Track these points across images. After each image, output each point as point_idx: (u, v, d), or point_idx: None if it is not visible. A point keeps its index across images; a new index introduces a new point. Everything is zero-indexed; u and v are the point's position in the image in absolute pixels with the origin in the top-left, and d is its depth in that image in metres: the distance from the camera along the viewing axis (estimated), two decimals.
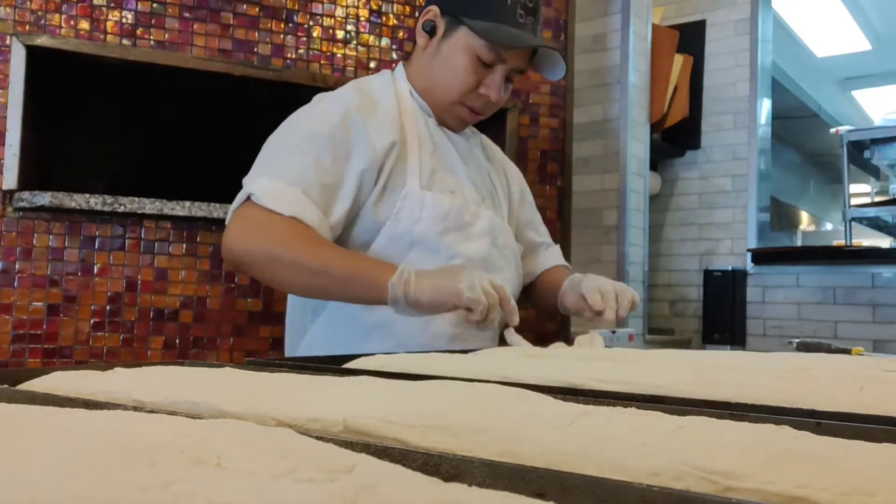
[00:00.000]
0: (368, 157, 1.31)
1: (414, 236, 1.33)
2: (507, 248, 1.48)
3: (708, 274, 3.45)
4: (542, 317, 2.80)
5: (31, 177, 2.27)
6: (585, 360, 0.88)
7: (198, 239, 2.40)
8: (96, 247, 2.28)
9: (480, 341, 1.38)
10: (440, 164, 1.40)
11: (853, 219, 3.26)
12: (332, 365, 0.85)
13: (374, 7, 2.72)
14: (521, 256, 1.56)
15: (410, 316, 1.19)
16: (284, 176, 1.27)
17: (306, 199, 1.25)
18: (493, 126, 2.81)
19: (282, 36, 2.60)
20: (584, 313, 1.38)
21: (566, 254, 3.00)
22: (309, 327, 1.41)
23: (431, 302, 1.13)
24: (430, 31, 1.39)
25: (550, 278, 1.59)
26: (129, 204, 2.25)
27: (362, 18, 2.71)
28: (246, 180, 1.30)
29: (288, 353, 1.49)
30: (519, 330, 1.21)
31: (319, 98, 1.39)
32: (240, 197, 1.27)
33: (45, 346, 2.20)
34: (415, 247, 1.33)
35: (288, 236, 1.22)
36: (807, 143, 6.73)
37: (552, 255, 1.67)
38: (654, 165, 3.64)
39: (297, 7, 2.62)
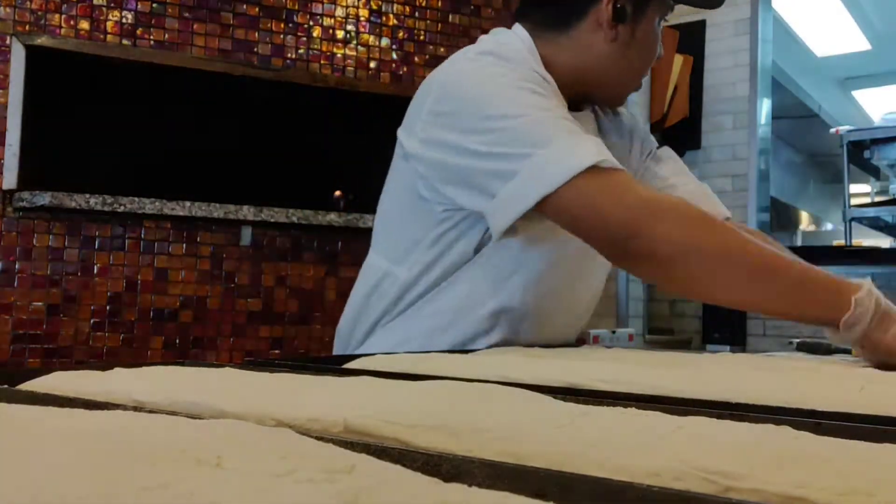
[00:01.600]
0: None
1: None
2: None
3: None
4: None
5: (31, 177, 2.27)
6: (585, 359, 0.88)
7: (198, 239, 2.40)
8: (96, 247, 2.28)
9: None
10: None
11: (853, 219, 3.26)
12: (332, 365, 0.85)
13: (374, 7, 2.72)
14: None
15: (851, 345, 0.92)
16: (577, 130, 1.00)
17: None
18: None
19: (282, 36, 2.60)
20: None
21: None
22: (377, 331, 1.22)
23: (893, 349, 0.86)
24: (622, 18, 1.12)
25: None
26: (128, 204, 2.25)
27: (362, 18, 2.71)
28: (527, 147, 0.98)
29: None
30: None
31: (486, 52, 1.11)
32: (569, 168, 0.95)
33: (45, 346, 2.20)
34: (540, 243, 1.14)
35: (707, 225, 0.95)
36: (807, 143, 6.73)
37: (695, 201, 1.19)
38: None
39: (297, 7, 2.62)
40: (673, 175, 1.30)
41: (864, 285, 0.88)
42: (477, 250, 1.15)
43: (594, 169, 0.94)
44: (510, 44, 1.14)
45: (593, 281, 1.27)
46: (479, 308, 1.15)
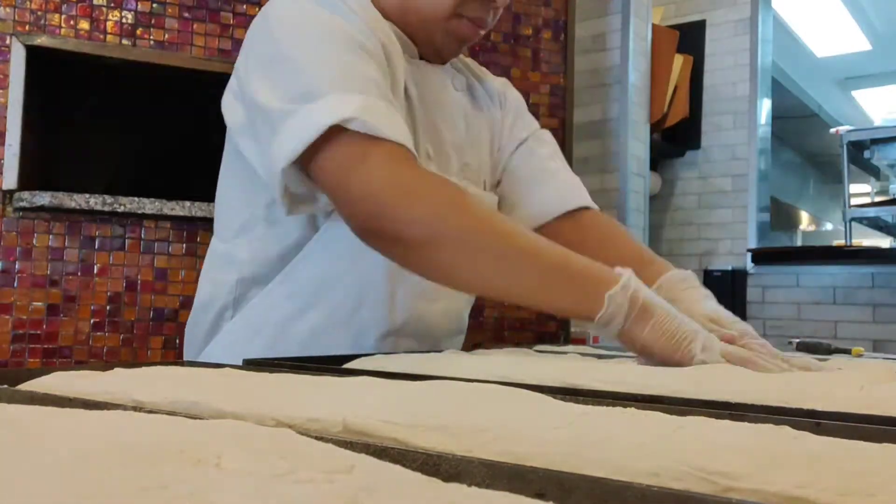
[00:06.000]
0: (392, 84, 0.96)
1: None
2: None
3: (708, 274, 3.45)
4: (543, 317, 2.80)
5: (31, 177, 2.27)
6: (585, 360, 0.88)
7: (197, 239, 2.40)
8: (96, 247, 2.28)
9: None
10: (421, 118, 1.06)
11: (853, 219, 3.26)
12: (332, 365, 0.85)
13: None
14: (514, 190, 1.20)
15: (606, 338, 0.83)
16: (364, 88, 0.87)
17: (404, 124, 0.88)
18: None
19: None
20: None
21: None
22: (223, 325, 1.08)
23: (649, 347, 0.78)
24: None
25: (593, 239, 1.10)
26: (128, 204, 2.25)
27: None
28: (296, 101, 0.86)
29: (189, 354, 1.13)
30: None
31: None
32: (315, 125, 0.83)
33: (45, 346, 2.20)
34: None
35: (458, 207, 0.84)
36: (807, 143, 6.74)
37: (571, 189, 1.20)
38: (654, 165, 3.64)
39: None
40: (550, 159, 1.22)
41: (621, 279, 0.79)
42: (315, 219, 1.03)
43: (347, 133, 0.83)
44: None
45: None
46: (335, 289, 1.02)
